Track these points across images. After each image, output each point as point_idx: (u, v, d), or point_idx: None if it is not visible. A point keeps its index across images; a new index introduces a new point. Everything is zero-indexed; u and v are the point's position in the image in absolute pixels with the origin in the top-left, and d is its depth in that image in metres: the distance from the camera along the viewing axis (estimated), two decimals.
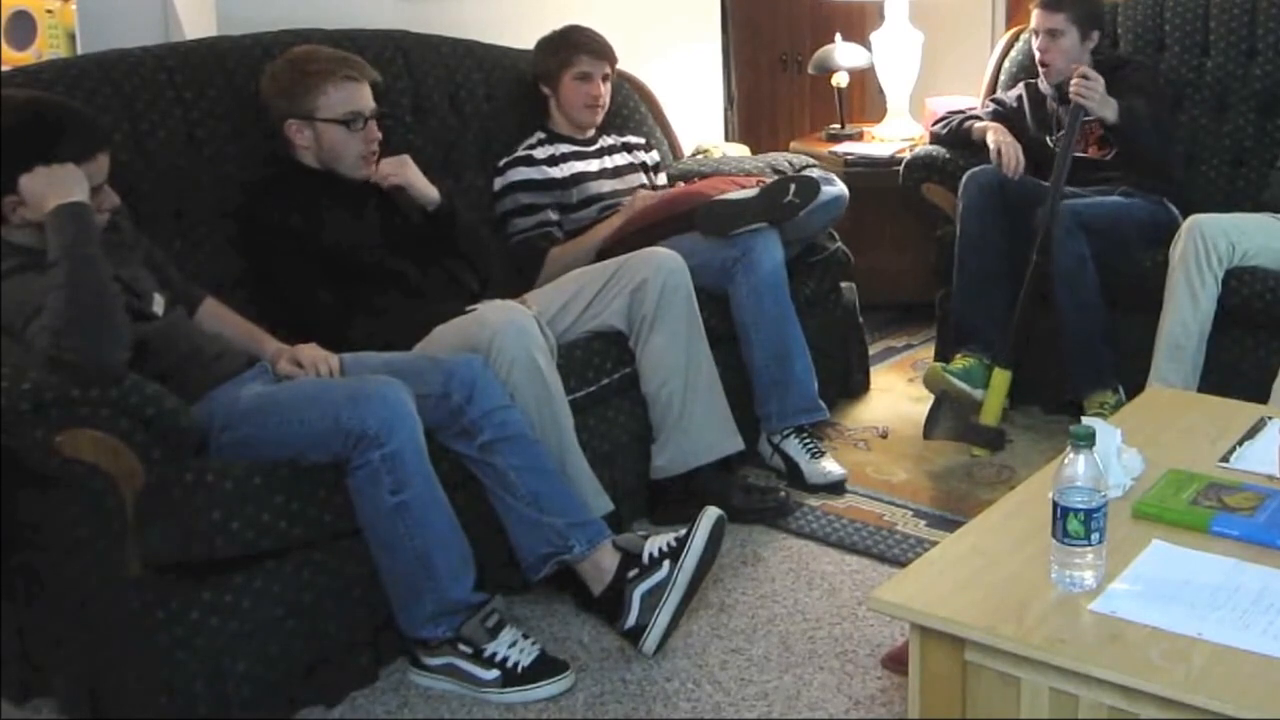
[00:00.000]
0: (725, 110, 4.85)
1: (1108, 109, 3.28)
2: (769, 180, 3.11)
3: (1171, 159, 3.52)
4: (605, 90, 3.38)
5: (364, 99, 2.81)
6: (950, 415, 3.28)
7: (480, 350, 2.53)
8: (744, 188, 3.16)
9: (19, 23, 3.90)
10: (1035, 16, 3.52)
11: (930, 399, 3.35)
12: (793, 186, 3.05)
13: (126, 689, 2.17)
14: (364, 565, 2.32)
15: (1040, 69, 3.54)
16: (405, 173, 2.86)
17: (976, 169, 3.44)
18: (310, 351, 2.49)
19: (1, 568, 2.27)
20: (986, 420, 3.29)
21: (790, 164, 3.62)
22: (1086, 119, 3.43)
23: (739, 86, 5.08)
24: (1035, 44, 3.53)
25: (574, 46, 3.33)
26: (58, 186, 2.16)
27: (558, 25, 3.43)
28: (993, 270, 3.38)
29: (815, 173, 3.44)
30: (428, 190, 2.88)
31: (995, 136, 3.49)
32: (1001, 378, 3.29)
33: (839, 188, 3.33)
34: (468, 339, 2.57)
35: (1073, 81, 3.26)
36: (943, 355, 3.66)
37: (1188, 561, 1.80)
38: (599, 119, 3.40)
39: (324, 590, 2.30)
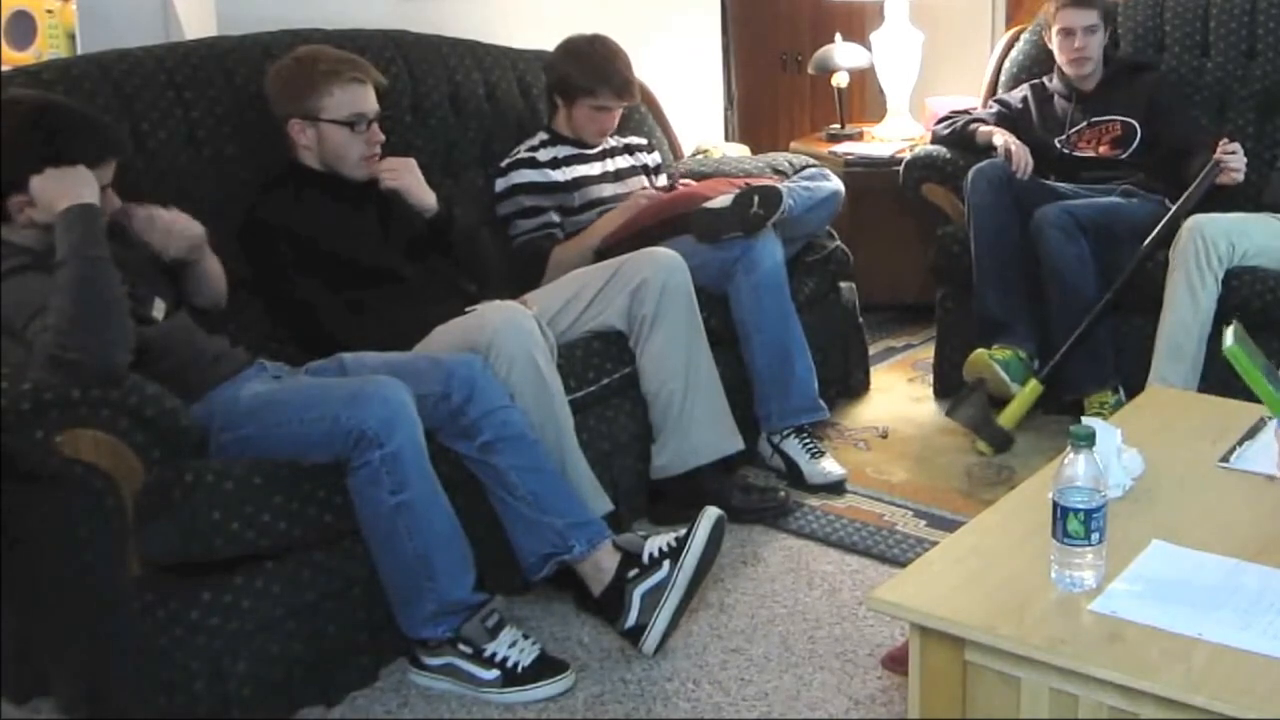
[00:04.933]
0: (725, 110, 4.86)
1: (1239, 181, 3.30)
2: (740, 189, 3.11)
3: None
4: (615, 121, 3.36)
5: (368, 101, 2.81)
6: (977, 405, 3.30)
7: (480, 350, 2.52)
8: (732, 191, 3.15)
9: (19, 23, 3.90)
10: (1068, 15, 3.48)
11: (930, 404, 3.36)
12: (756, 198, 3.05)
13: (126, 689, 2.17)
14: (364, 565, 2.32)
15: (1071, 66, 3.51)
16: (405, 178, 2.85)
17: (984, 164, 3.44)
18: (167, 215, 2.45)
19: (1, 568, 2.27)
20: (1004, 423, 3.31)
21: (790, 164, 3.62)
22: (1109, 119, 3.45)
23: (739, 86, 5.08)
24: (1070, 44, 3.49)
25: (602, 79, 3.26)
26: (69, 187, 2.17)
27: (558, 25, 3.42)
28: (1012, 264, 3.39)
29: (810, 171, 3.45)
30: (425, 198, 2.87)
31: (1003, 138, 3.50)
32: (1034, 390, 3.32)
33: (834, 184, 3.34)
34: (467, 339, 2.57)
35: (1223, 154, 3.24)
36: (943, 355, 3.67)
37: (1188, 561, 1.80)
38: (602, 142, 3.40)
39: (324, 590, 2.30)
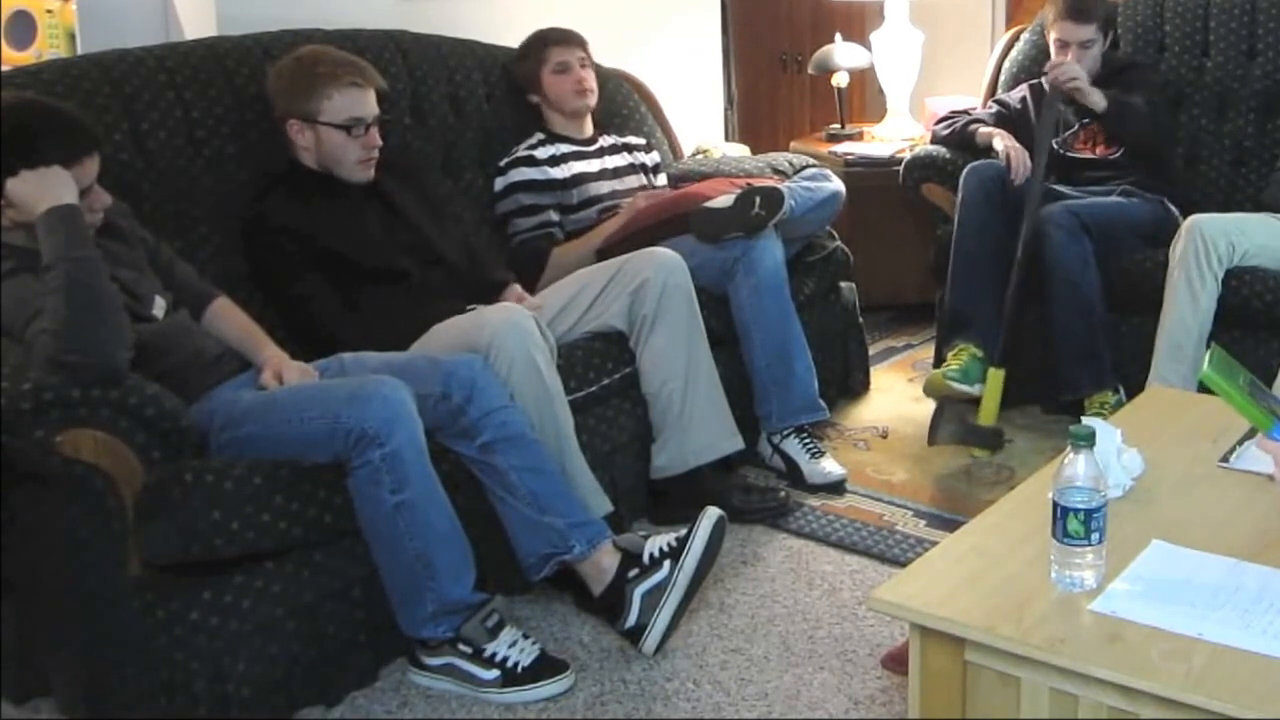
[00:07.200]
0: (725, 110, 4.86)
1: (1094, 96, 3.38)
2: (741, 189, 3.12)
3: (1171, 156, 3.53)
4: (589, 75, 3.38)
5: (367, 105, 2.81)
6: (952, 420, 3.27)
7: (480, 350, 2.53)
8: (733, 191, 3.15)
9: (19, 23, 3.90)
10: (1064, 29, 3.48)
11: (930, 404, 3.35)
12: (758, 199, 3.05)
13: (126, 689, 2.17)
14: (364, 565, 2.32)
15: None
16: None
17: (979, 163, 3.45)
18: (298, 375, 2.45)
19: (1, 568, 2.27)
20: (984, 421, 3.30)
21: (790, 164, 3.62)
22: (1095, 120, 3.46)
23: (739, 86, 5.09)
24: (1065, 56, 3.48)
25: (541, 42, 3.37)
26: (46, 190, 2.16)
27: (558, 25, 3.43)
28: (987, 261, 3.38)
29: (810, 171, 3.45)
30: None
31: (1003, 142, 3.49)
32: (996, 378, 3.30)
33: (835, 184, 3.34)
34: (467, 339, 2.58)
35: (1054, 75, 3.36)
36: (941, 358, 3.66)
37: (1188, 561, 1.80)
38: (592, 103, 3.40)
39: (324, 590, 2.31)
